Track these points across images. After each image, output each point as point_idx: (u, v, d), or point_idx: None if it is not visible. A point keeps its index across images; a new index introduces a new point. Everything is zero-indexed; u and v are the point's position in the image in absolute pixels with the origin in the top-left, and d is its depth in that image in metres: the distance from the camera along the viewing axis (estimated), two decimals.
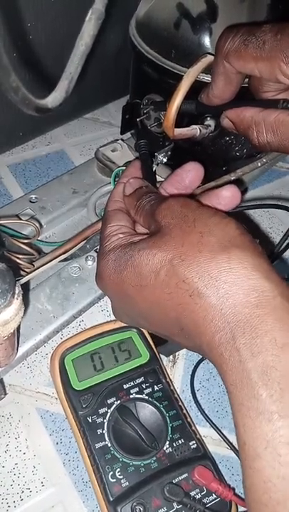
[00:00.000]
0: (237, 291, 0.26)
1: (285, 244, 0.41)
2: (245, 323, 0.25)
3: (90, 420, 0.37)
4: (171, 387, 0.40)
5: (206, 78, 0.43)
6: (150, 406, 0.38)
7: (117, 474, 0.35)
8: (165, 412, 0.38)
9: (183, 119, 0.44)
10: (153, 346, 0.42)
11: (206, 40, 0.43)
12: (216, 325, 0.26)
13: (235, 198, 0.33)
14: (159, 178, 0.49)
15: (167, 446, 0.37)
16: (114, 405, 0.38)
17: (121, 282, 0.31)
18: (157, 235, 0.30)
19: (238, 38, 0.35)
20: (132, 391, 0.39)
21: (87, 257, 0.48)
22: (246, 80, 0.39)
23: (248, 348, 0.24)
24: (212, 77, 0.39)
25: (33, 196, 0.54)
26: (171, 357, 0.47)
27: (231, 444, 0.41)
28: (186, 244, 0.28)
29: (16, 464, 0.39)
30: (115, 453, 0.36)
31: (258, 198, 0.63)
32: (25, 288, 0.46)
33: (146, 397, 0.39)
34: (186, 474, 0.36)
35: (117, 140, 0.59)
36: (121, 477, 0.35)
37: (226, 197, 0.33)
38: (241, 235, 0.28)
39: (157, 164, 0.52)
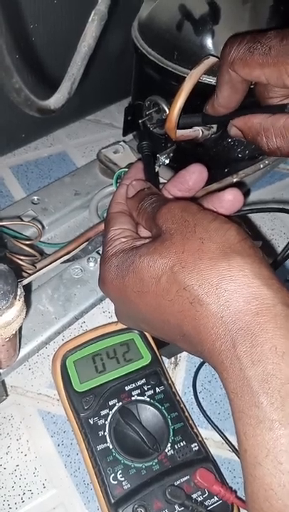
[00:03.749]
0: (237, 299, 0.26)
1: (288, 252, 0.40)
2: (246, 330, 0.25)
3: (92, 422, 0.37)
4: (173, 389, 0.40)
5: (209, 80, 0.43)
6: (152, 408, 0.38)
7: (119, 476, 0.35)
8: (167, 414, 0.38)
9: None
10: (155, 348, 0.42)
11: (209, 42, 0.43)
12: (217, 332, 0.26)
13: (237, 202, 0.33)
14: (161, 180, 0.49)
15: (169, 448, 0.37)
16: (116, 407, 0.38)
17: (123, 288, 0.31)
18: (158, 241, 0.30)
19: (242, 46, 0.35)
20: (133, 393, 0.39)
21: (88, 258, 0.48)
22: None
23: (249, 356, 0.24)
24: (217, 86, 0.39)
25: (35, 198, 0.54)
26: (172, 359, 0.47)
27: (233, 446, 0.41)
28: (187, 251, 0.28)
29: (18, 465, 0.39)
30: (117, 455, 0.36)
31: (260, 201, 0.63)
32: (27, 289, 0.46)
33: (148, 399, 0.39)
34: (188, 476, 0.35)
35: (119, 142, 0.59)
36: (122, 479, 0.35)
37: (228, 200, 0.33)
38: (242, 241, 0.28)
39: (159, 166, 0.52)
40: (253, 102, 0.40)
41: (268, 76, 0.35)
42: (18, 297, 0.33)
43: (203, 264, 0.27)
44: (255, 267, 0.26)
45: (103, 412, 0.38)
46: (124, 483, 0.35)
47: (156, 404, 0.39)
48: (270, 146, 0.38)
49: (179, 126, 0.43)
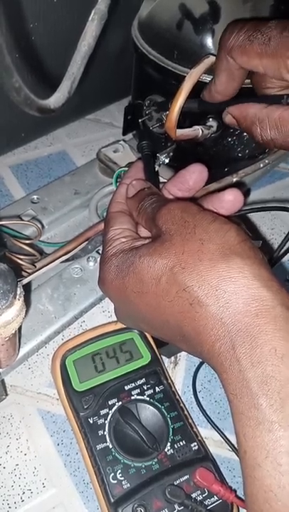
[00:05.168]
0: (237, 301, 0.26)
1: (284, 248, 0.40)
2: (245, 332, 0.25)
3: (91, 421, 0.37)
4: (173, 389, 0.40)
5: (209, 79, 0.43)
6: (151, 407, 0.38)
7: (118, 476, 0.35)
8: (166, 414, 0.38)
9: (185, 119, 0.44)
10: (154, 347, 0.42)
11: (209, 41, 0.43)
12: (216, 334, 0.26)
13: (237, 202, 0.33)
14: (161, 179, 0.49)
15: (168, 447, 0.37)
16: (116, 406, 0.38)
17: (123, 288, 0.31)
18: (158, 241, 0.30)
19: (242, 34, 0.35)
20: (133, 392, 0.39)
21: (88, 257, 0.48)
22: (248, 80, 0.39)
23: (248, 358, 0.24)
24: (215, 72, 0.39)
25: (35, 197, 0.54)
26: (172, 358, 0.47)
27: (233, 445, 0.41)
28: (187, 252, 0.28)
29: (17, 465, 0.39)
30: (116, 454, 0.36)
31: (260, 201, 0.63)
32: (27, 289, 0.46)
33: (148, 399, 0.39)
34: (188, 476, 0.35)
35: (119, 141, 0.59)
36: (122, 478, 0.35)
37: (229, 201, 0.33)
38: (241, 242, 0.28)
39: (159, 165, 0.52)
40: (249, 90, 0.40)
41: (266, 67, 0.35)
42: (17, 297, 0.33)
43: (203, 266, 0.27)
44: (254, 268, 0.26)
45: (103, 412, 0.38)
46: (123, 482, 0.35)
47: (156, 403, 0.39)
48: (263, 137, 0.38)
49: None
